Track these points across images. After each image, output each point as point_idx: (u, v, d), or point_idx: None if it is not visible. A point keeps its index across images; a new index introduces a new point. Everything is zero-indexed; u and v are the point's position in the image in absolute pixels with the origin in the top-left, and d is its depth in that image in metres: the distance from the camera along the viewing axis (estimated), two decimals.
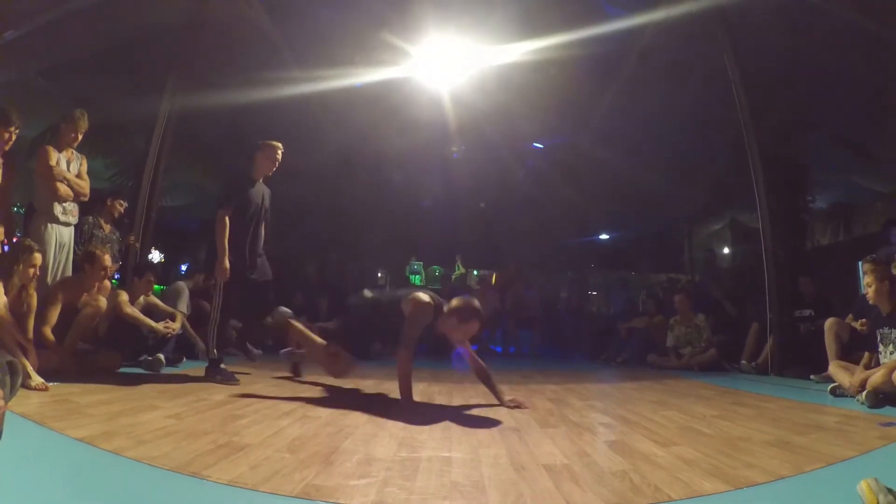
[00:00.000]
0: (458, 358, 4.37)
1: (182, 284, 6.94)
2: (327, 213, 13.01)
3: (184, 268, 12.23)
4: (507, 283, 11.34)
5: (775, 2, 6.88)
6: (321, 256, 12.89)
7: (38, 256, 4.44)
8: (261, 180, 5.39)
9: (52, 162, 5.13)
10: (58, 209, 5.23)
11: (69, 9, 6.49)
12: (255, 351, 5.76)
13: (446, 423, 3.27)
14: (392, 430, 2.99)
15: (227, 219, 4.99)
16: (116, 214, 6.46)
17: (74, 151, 5.49)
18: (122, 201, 6.51)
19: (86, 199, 5.51)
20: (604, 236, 16.34)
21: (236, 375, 4.96)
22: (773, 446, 2.75)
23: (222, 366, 4.94)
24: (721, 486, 2.12)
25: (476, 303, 4.15)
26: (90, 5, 6.56)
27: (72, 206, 5.41)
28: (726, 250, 15.13)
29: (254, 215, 5.25)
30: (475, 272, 14.01)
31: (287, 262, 10.11)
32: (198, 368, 5.30)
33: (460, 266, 13.23)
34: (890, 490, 1.72)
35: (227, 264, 4.89)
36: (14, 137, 4.77)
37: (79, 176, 5.41)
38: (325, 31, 8.16)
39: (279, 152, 5.33)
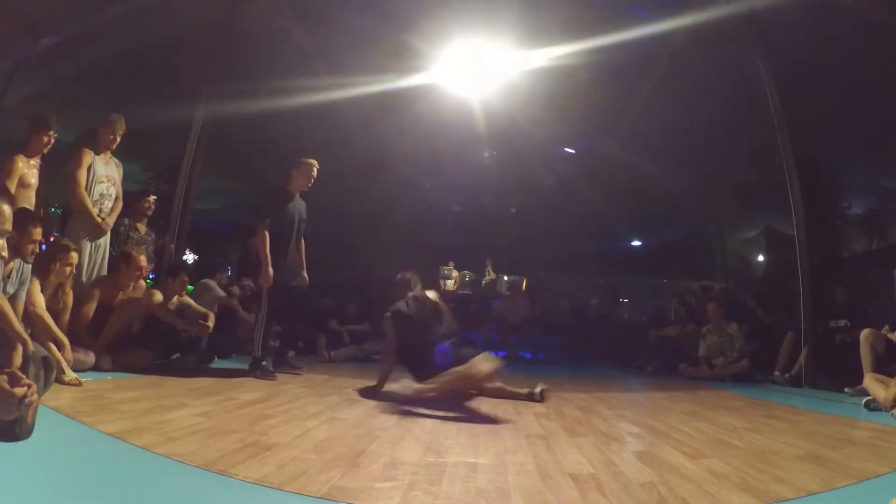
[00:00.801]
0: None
1: (209, 281, 7.04)
2: (357, 218, 13.10)
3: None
4: (537, 289, 11.28)
5: (806, 3, 6.75)
6: (351, 261, 12.98)
7: (74, 255, 4.54)
8: (297, 195, 5.81)
9: (84, 167, 5.25)
10: (93, 210, 5.34)
11: (104, 17, 6.63)
12: (295, 363, 6.01)
13: (473, 429, 3.27)
14: (419, 435, 3.00)
15: (266, 232, 5.38)
16: (149, 213, 6.55)
17: (113, 157, 5.60)
18: (150, 198, 6.59)
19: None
20: (636, 243, 16.20)
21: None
22: (804, 461, 2.70)
23: (264, 363, 5.29)
24: (749, 501, 2.09)
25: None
26: (124, 14, 6.70)
27: (108, 208, 5.51)
28: (760, 258, 14.90)
29: (293, 228, 5.71)
30: (505, 277, 13.98)
31: (317, 266, 10.20)
32: (230, 367, 5.40)
33: (490, 271, 13.20)
34: None
35: (272, 272, 5.31)
36: (52, 142, 4.90)
37: (109, 181, 5.51)
38: (355, 38, 8.21)
39: (315, 169, 5.77)
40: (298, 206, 5.83)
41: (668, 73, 8.38)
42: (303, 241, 5.93)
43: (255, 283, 6.12)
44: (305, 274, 5.97)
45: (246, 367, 5.34)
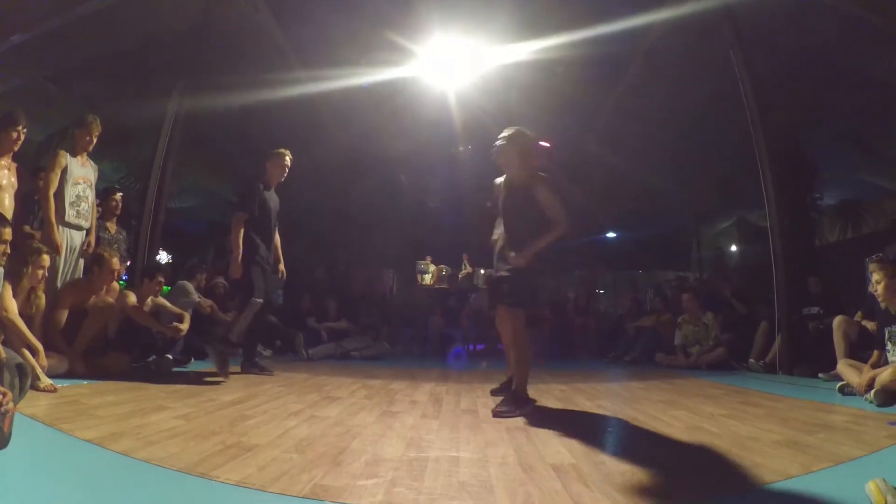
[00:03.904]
0: (456, 357, 4.46)
1: (187, 283, 6.97)
2: (333, 214, 13.05)
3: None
4: None
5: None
6: (329, 258, 12.92)
7: (46, 258, 4.47)
8: (272, 188, 5.76)
9: (58, 170, 5.15)
10: (70, 213, 5.25)
11: (77, 13, 6.52)
12: (263, 362, 5.84)
13: (454, 424, 3.27)
14: (400, 431, 3.00)
15: (242, 220, 5.33)
16: (117, 211, 6.46)
17: (89, 159, 5.52)
18: (116, 195, 6.50)
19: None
20: (611, 235, 16.30)
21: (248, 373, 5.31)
22: (781, 445, 2.75)
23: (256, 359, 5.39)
24: (729, 486, 2.12)
25: None
26: (98, 10, 6.59)
27: (85, 210, 5.43)
28: (734, 248, 15.08)
29: (270, 220, 5.67)
30: (482, 271, 13.97)
31: (295, 264, 10.14)
32: (207, 368, 5.34)
33: (467, 265, 13.22)
34: None
35: (240, 263, 5.23)
36: (22, 137, 4.80)
37: (85, 183, 5.42)
38: (331, 33, 8.16)
39: (287, 158, 5.71)
40: (274, 198, 5.79)
41: (645, 67, 8.45)
42: (277, 235, 5.90)
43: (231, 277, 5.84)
44: (282, 267, 5.97)
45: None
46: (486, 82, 8.79)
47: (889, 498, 1.69)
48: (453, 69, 8.65)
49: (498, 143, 4.24)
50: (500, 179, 4.46)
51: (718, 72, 7.52)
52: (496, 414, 3.57)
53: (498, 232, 4.39)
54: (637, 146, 10.74)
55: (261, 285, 5.42)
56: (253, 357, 5.81)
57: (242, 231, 5.32)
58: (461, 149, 11.43)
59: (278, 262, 5.92)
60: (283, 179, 5.79)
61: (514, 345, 3.98)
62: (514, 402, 3.73)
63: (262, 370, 5.63)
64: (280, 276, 5.97)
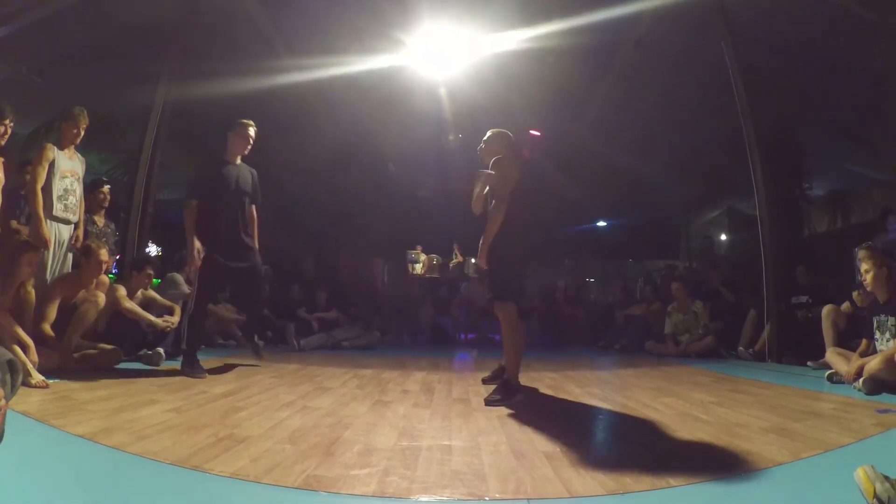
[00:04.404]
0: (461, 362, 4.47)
1: (177, 275, 6.94)
2: (323, 205, 13.00)
3: None
4: None
5: None
6: (318, 248, 12.88)
7: (34, 255, 4.43)
8: (238, 161, 5.22)
9: (45, 164, 5.09)
10: (58, 206, 5.21)
11: (61, 4, 6.44)
12: (259, 343, 5.61)
13: (446, 412, 3.28)
14: (392, 420, 3.01)
15: (194, 206, 4.91)
16: (105, 204, 6.42)
17: (77, 152, 5.47)
18: (104, 188, 6.45)
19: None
20: (601, 224, 16.35)
21: (237, 367, 5.07)
22: (770, 433, 2.77)
23: (197, 359, 4.84)
24: (719, 473, 2.14)
25: None
26: (82, 0, 6.52)
27: (73, 204, 5.38)
28: (724, 237, 15.16)
29: (230, 199, 5.05)
30: (472, 260, 13.98)
31: (284, 254, 10.11)
32: (198, 361, 5.31)
33: (458, 254, 13.23)
34: (887, 477, 1.74)
35: (196, 253, 4.82)
36: (9, 131, 4.74)
37: (73, 176, 5.37)
38: (320, 20, 8.10)
39: (250, 129, 5.18)
40: (237, 173, 5.14)
41: (635, 56, 8.45)
42: (254, 215, 5.31)
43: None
44: (255, 254, 5.22)
45: (219, 361, 5.21)
46: (477, 71, 8.76)
47: (878, 485, 1.71)
48: (443, 58, 8.61)
49: (481, 144, 4.41)
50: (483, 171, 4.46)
51: (709, 62, 7.53)
52: (488, 402, 3.60)
53: None
54: (627, 136, 10.76)
55: (208, 282, 4.99)
56: (252, 343, 5.50)
57: (195, 218, 4.88)
58: (451, 138, 11.40)
59: (246, 247, 5.14)
60: (246, 153, 5.23)
61: (507, 335, 4.00)
62: (506, 390, 3.75)
63: (257, 353, 5.43)
64: (248, 262, 5.15)
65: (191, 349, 4.85)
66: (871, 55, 7.22)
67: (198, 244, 4.84)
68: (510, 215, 3.96)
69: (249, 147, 5.22)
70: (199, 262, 4.87)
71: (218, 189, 5.00)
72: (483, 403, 3.60)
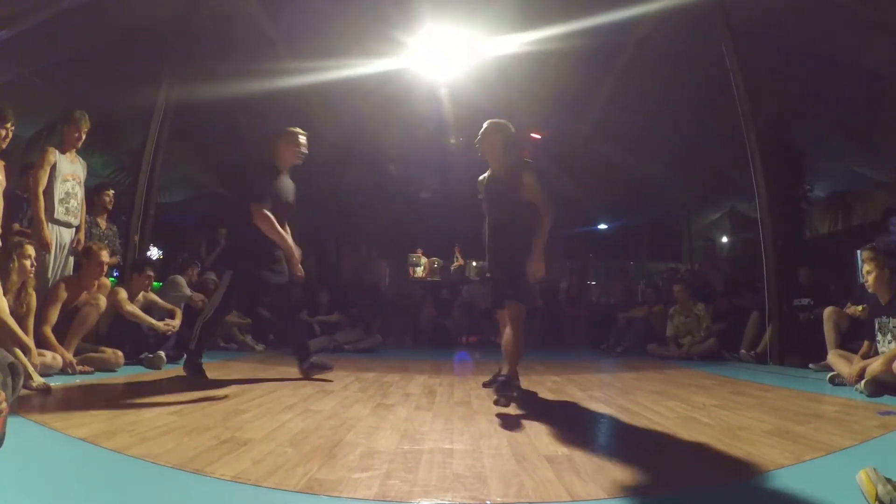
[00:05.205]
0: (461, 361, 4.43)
1: (178, 277, 6.95)
2: (324, 206, 13.02)
3: None
4: None
5: None
6: (319, 250, 12.89)
7: (30, 248, 4.41)
8: (286, 173, 4.94)
9: (46, 167, 5.11)
10: (59, 210, 5.22)
11: (62, 7, 6.45)
12: (258, 346, 5.54)
13: (448, 415, 3.28)
14: (394, 423, 3.00)
15: (265, 212, 4.55)
16: (110, 206, 6.44)
17: (78, 156, 5.48)
18: (109, 191, 6.47)
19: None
20: (603, 226, 16.35)
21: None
22: (772, 435, 2.77)
23: (200, 362, 4.71)
24: (721, 476, 2.13)
25: None
26: (83, 3, 6.53)
27: (75, 207, 5.40)
28: (725, 239, 15.15)
29: (282, 210, 4.78)
30: (474, 263, 14.02)
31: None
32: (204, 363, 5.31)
33: (459, 257, 13.25)
34: (889, 480, 1.73)
35: (294, 259, 4.74)
36: (10, 135, 4.75)
37: (74, 179, 5.38)
38: (321, 22, 8.12)
39: (302, 138, 4.90)
40: (289, 185, 4.91)
41: (636, 58, 8.45)
42: (288, 228, 4.98)
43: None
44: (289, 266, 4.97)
45: (216, 362, 5.21)
46: (478, 73, 8.78)
47: (880, 487, 1.71)
48: (444, 60, 8.63)
49: (479, 135, 4.22)
50: (484, 175, 4.39)
51: (710, 61, 7.53)
52: (498, 403, 3.45)
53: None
54: (629, 137, 10.76)
55: (237, 294, 4.82)
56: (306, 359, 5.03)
57: (265, 224, 4.56)
58: (452, 140, 11.42)
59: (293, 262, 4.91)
60: (299, 162, 4.93)
61: (515, 335, 3.90)
62: (508, 386, 3.61)
63: (322, 368, 4.97)
64: (288, 271, 4.96)
65: (198, 352, 4.72)
66: (871, 54, 7.23)
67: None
68: (531, 217, 3.97)
69: (303, 157, 4.94)
70: (299, 270, 4.82)
71: (277, 200, 4.73)
72: (485, 407, 3.59)
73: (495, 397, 3.56)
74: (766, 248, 7.01)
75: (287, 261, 4.82)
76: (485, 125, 4.24)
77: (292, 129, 4.90)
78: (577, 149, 11.25)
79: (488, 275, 4.32)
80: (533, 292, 4.22)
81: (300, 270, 4.82)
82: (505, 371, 3.85)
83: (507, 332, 3.97)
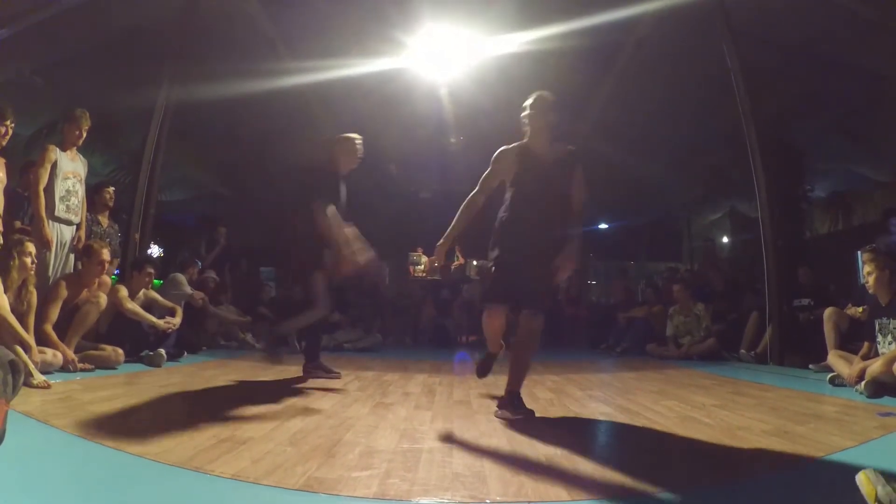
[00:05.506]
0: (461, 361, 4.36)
1: (179, 275, 6.95)
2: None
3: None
4: None
5: None
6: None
7: (29, 245, 4.41)
8: (343, 178, 5.01)
9: (47, 165, 5.11)
10: (60, 207, 5.22)
11: (62, 6, 6.45)
12: (259, 345, 5.49)
13: (447, 414, 3.28)
14: (393, 422, 3.00)
15: (326, 212, 4.54)
16: (110, 204, 6.43)
17: (79, 154, 5.49)
18: (109, 189, 6.47)
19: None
20: (603, 226, 16.33)
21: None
22: (772, 436, 2.77)
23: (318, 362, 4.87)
24: (721, 476, 2.13)
25: None
26: (83, 3, 6.53)
27: (75, 205, 5.40)
28: (725, 239, 15.14)
29: (341, 213, 4.77)
30: (474, 262, 14.00)
31: (285, 255, 10.09)
32: (200, 362, 5.32)
33: (459, 256, 13.22)
34: (888, 481, 1.73)
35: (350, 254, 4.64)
36: (10, 132, 4.75)
37: (75, 177, 5.39)
38: (321, 22, 8.11)
39: (359, 143, 5.00)
40: (344, 190, 5.00)
41: (636, 57, 8.44)
42: None
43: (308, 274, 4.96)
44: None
45: (216, 360, 5.20)
46: (478, 73, 8.77)
47: (880, 488, 1.71)
48: (444, 60, 8.62)
49: (527, 108, 3.82)
50: (510, 148, 3.85)
51: (710, 61, 7.53)
52: (499, 415, 3.23)
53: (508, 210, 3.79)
54: (629, 137, 10.75)
55: (325, 296, 4.86)
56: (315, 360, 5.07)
57: (323, 223, 4.55)
58: (452, 139, 11.42)
59: None
60: (354, 167, 5.04)
61: (530, 346, 3.48)
62: (514, 404, 3.25)
63: (328, 373, 4.93)
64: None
65: (316, 355, 4.91)
66: (871, 54, 7.22)
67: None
68: (569, 210, 3.64)
69: (358, 162, 5.05)
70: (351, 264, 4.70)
71: (339, 203, 4.79)
72: (485, 406, 3.59)
73: (501, 412, 3.26)
74: (766, 248, 7.01)
75: (342, 258, 4.72)
76: (533, 97, 3.82)
77: (347, 135, 5.00)
78: (577, 148, 11.23)
79: (492, 265, 3.71)
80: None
81: (348, 264, 4.71)
82: (511, 387, 3.37)
83: (524, 342, 3.49)
